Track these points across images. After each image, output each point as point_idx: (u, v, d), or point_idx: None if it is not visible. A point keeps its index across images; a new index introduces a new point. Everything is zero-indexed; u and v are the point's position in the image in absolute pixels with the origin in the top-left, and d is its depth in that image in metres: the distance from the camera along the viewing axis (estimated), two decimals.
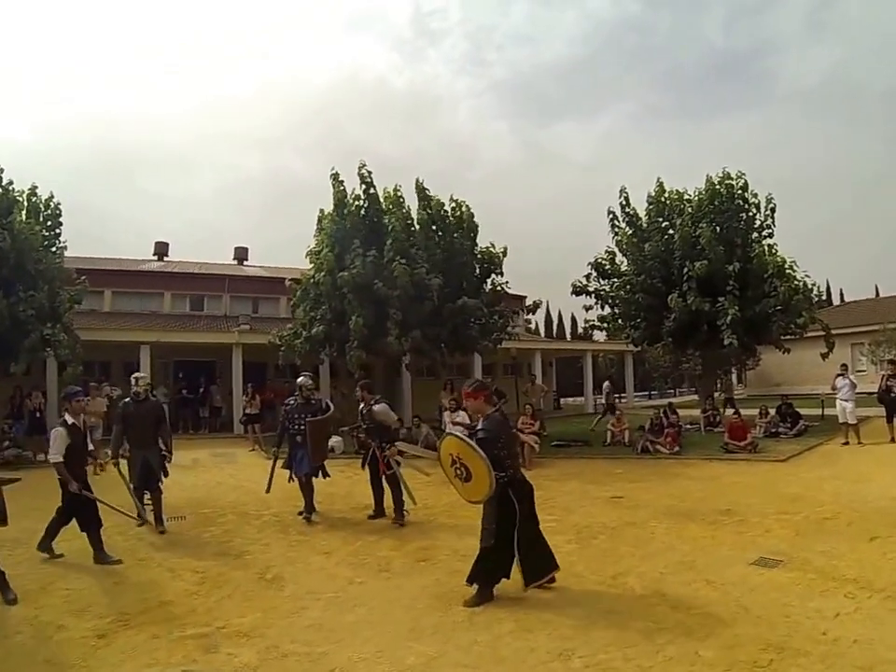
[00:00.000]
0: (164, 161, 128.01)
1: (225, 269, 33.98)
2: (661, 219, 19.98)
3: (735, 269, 17.88)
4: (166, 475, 8.92)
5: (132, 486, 8.61)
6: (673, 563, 6.29)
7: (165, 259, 35.38)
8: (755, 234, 19.53)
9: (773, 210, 19.44)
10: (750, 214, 19.63)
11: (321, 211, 18.42)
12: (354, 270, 16.31)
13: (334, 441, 15.42)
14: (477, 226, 18.63)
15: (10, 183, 17.74)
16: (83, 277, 20.15)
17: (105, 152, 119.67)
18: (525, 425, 14.59)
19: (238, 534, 8.35)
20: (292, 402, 9.47)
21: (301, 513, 9.23)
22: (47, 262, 17.59)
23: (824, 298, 41.22)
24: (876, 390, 15.50)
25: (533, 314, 22.10)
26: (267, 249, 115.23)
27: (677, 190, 20.28)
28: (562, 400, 39.00)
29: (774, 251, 19.15)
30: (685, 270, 18.35)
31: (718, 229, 18.74)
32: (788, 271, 18.68)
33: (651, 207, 20.14)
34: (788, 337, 19.67)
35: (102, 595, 6.09)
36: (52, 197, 18.94)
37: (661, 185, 20.27)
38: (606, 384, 25.45)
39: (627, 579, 5.87)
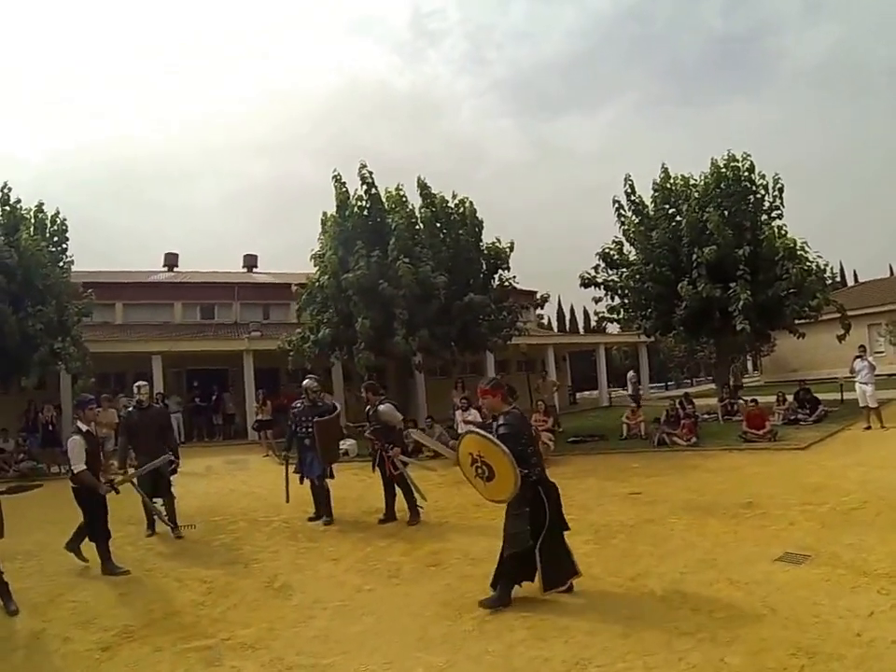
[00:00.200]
0: (171, 173, 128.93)
1: (234, 277, 34.17)
2: (667, 206, 19.69)
3: (744, 253, 17.54)
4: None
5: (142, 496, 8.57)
6: (693, 561, 6.02)
7: (175, 269, 35.64)
8: (764, 216, 19.16)
9: (781, 191, 19.04)
10: (758, 196, 19.26)
11: (324, 214, 18.29)
12: (358, 271, 16.17)
13: (348, 444, 15.29)
14: (481, 221, 18.41)
15: (18, 201, 18.17)
16: (90, 290, 20.46)
17: (113, 168, 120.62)
18: (538, 422, 14.35)
19: (248, 541, 8.24)
20: (299, 405, 9.42)
21: (310, 519, 9.15)
22: (54, 277, 17.86)
23: (838, 280, 40.58)
24: None
25: (542, 307, 21.90)
26: (277, 256, 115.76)
27: (682, 176, 19.97)
28: (577, 395, 38.68)
29: (784, 233, 18.68)
30: (694, 256, 18.05)
31: (725, 213, 18.38)
32: (799, 252, 18.25)
33: (656, 195, 19.85)
34: (802, 321, 19.27)
35: (108, 606, 6.03)
36: (58, 213, 19.18)
37: (666, 171, 19.96)
38: (630, 373, 25.03)
39: (647, 580, 5.61)
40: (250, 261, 37.63)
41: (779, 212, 19.15)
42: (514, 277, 19.07)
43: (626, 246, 20.18)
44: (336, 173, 17.66)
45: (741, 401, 17.96)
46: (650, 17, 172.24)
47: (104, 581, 6.84)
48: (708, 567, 5.80)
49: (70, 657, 4.92)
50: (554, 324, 65.01)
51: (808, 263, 18.21)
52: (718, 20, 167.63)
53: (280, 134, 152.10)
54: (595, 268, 20.14)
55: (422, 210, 17.96)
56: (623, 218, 20.03)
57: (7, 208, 17.92)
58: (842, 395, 19.60)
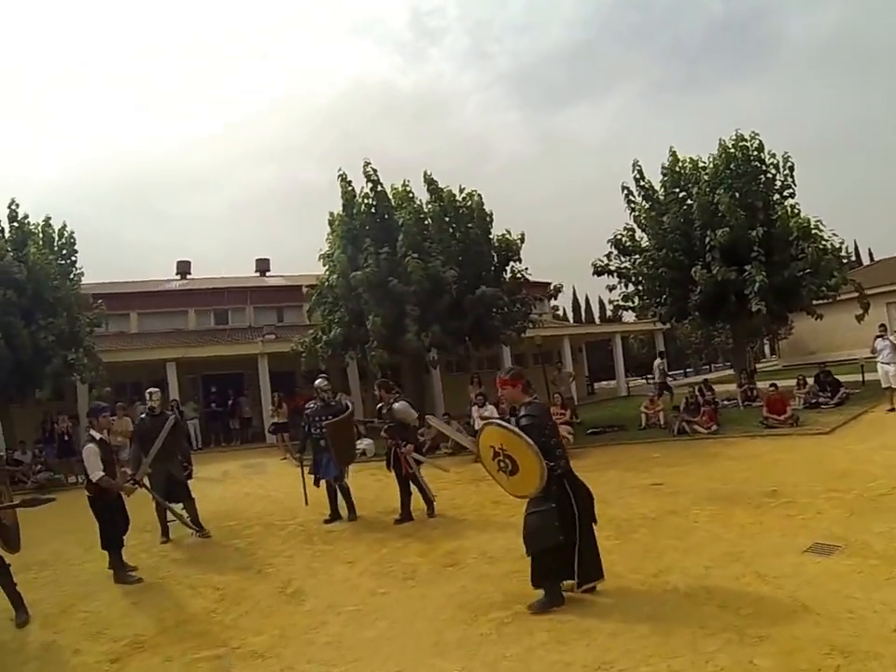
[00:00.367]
0: (179, 183, 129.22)
1: (247, 281, 34.12)
2: (677, 190, 19.28)
3: (758, 234, 17.12)
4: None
5: (156, 502, 8.63)
6: (718, 555, 5.78)
7: (188, 277, 35.75)
8: (776, 196, 18.70)
9: (791, 169, 18.54)
10: (769, 175, 18.79)
11: (331, 214, 18.13)
12: (367, 269, 16.03)
13: (365, 443, 15.18)
14: (491, 214, 18.18)
15: (25, 217, 18.48)
16: (100, 301, 20.71)
17: (120, 181, 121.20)
18: (555, 415, 14.08)
19: (262, 546, 8.15)
20: (312, 406, 9.39)
21: (326, 521, 9.07)
22: (64, 290, 18.07)
23: (853, 259, 39.90)
24: None
25: (555, 298, 21.56)
26: (290, 259, 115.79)
27: (690, 158, 19.54)
28: (595, 385, 38.40)
29: (797, 212, 18.22)
30: (707, 240, 17.67)
31: (736, 194, 17.99)
32: (814, 231, 17.79)
33: (665, 179, 19.46)
34: (820, 301, 18.90)
35: (120, 616, 5.98)
36: (65, 227, 19.36)
37: (674, 154, 19.57)
38: (657, 360, 24.69)
39: (670, 576, 5.38)
40: (262, 266, 37.65)
41: (791, 191, 18.68)
42: (526, 269, 18.81)
43: (638, 233, 19.87)
44: (341, 172, 17.55)
45: (762, 387, 17.65)
46: (648, 4, 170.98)
47: (117, 590, 6.81)
48: (734, 561, 5.57)
49: (79, 669, 4.90)
50: (570, 315, 64.78)
51: (824, 242, 17.79)
52: (718, 4, 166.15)
53: (286, 140, 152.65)
54: (608, 255, 19.86)
55: (429, 205, 17.77)
56: (633, 205, 19.70)
57: (16, 224, 18.23)
58: (863, 376, 19.24)
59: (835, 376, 16.91)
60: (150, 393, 9.11)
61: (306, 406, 9.61)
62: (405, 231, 16.40)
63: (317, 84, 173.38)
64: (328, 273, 18.07)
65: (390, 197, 17.65)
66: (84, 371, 17.87)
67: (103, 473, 6.87)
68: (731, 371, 25.56)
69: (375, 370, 16.78)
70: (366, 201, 17.43)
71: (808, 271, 17.15)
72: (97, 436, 7.08)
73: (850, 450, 10.41)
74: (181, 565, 7.63)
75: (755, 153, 18.60)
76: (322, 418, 9.11)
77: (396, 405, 8.94)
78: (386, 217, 17.38)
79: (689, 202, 18.87)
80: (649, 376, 44.03)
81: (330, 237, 18.15)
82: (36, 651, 5.39)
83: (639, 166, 19.60)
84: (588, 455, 13.00)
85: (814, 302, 18.72)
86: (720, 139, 19.00)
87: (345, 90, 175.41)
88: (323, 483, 9.35)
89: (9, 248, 17.35)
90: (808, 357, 31.11)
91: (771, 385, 15.44)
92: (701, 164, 19.30)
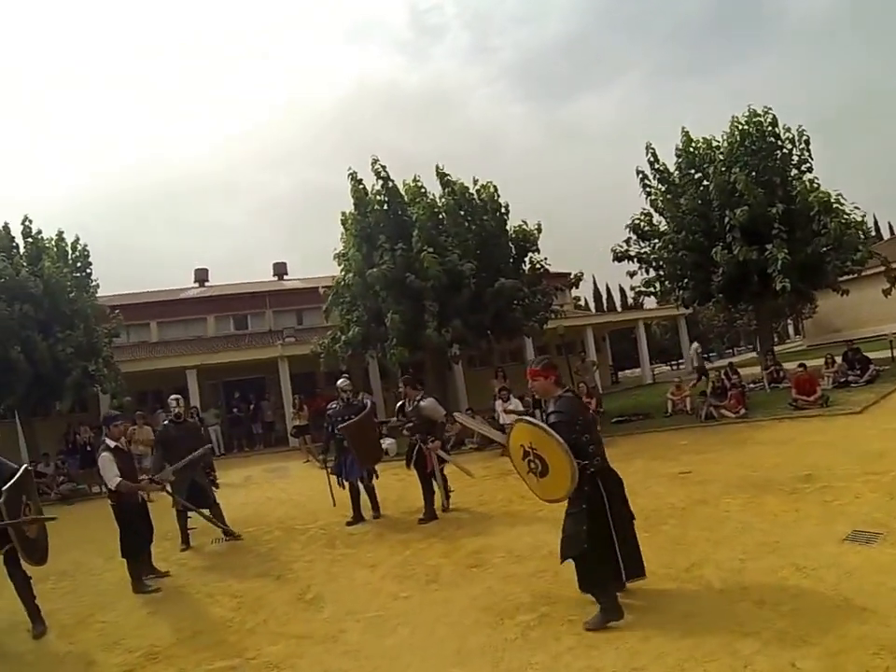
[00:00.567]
0: (194, 192, 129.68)
1: (265, 286, 34.20)
2: (692, 171, 18.94)
3: (778, 211, 16.73)
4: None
5: (177, 510, 8.67)
6: (753, 546, 5.48)
7: (206, 284, 35.91)
8: (794, 171, 18.29)
9: (807, 143, 18.16)
10: (785, 150, 18.39)
11: (343, 213, 17.96)
12: (383, 266, 15.87)
13: (387, 443, 15.02)
14: (507, 205, 17.93)
15: (39, 232, 18.76)
16: (117, 311, 21.01)
17: (133, 194, 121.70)
18: None
19: (283, 551, 8.01)
20: (334, 406, 9.30)
21: (348, 523, 8.92)
22: (80, 302, 18.31)
23: (873, 234, 39.08)
24: None
25: (576, 287, 21.24)
26: (307, 262, 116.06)
27: (703, 138, 19.19)
28: (619, 374, 38.05)
29: (816, 186, 17.74)
30: (726, 220, 17.31)
31: (753, 172, 17.64)
32: (835, 205, 17.34)
33: (680, 160, 19.13)
34: (845, 277, 18.49)
35: (136, 626, 5.90)
36: (78, 240, 19.62)
37: (687, 135, 19.18)
38: (694, 345, 24.32)
39: (703, 570, 5.11)
40: (280, 269, 37.76)
41: (808, 165, 18.27)
42: (545, 259, 18.59)
43: (656, 217, 19.54)
44: (351, 170, 17.36)
45: (789, 367, 17.25)
46: None
47: (135, 599, 6.73)
48: (770, 552, 5.27)
49: None
50: (591, 304, 64.29)
51: (845, 216, 17.37)
52: None
53: (292, 144, 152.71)
54: (627, 241, 19.56)
55: (443, 199, 17.55)
56: (648, 188, 19.38)
57: (30, 239, 18.50)
58: (892, 352, 18.89)
59: (864, 353, 16.50)
60: (176, 399, 9.16)
61: (328, 407, 9.51)
62: (419, 227, 16.22)
63: (322, 87, 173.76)
64: (343, 272, 17.99)
65: (402, 193, 17.48)
66: (104, 382, 18.15)
67: (120, 479, 6.84)
68: (754, 355, 25.10)
69: (396, 368, 16.70)
70: (377, 198, 17.26)
71: (832, 246, 16.79)
72: (112, 444, 7.06)
73: (885, 429, 10.01)
74: (200, 573, 7.56)
75: (769, 128, 18.23)
76: (343, 418, 9.02)
77: (423, 402, 8.85)
78: (400, 213, 17.19)
79: (705, 182, 18.54)
80: (673, 363, 43.73)
81: (344, 236, 18.02)
82: (51, 663, 5.35)
83: (653, 149, 19.27)
84: (613, 444, 12.67)
85: (839, 278, 18.31)
86: (732, 116, 18.67)
87: (350, 91, 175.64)
88: (347, 484, 9.24)
89: (24, 263, 17.59)
90: (833, 335, 30.55)
91: (799, 366, 15.05)
92: (714, 144, 18.94)
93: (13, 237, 18.36)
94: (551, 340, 26.68)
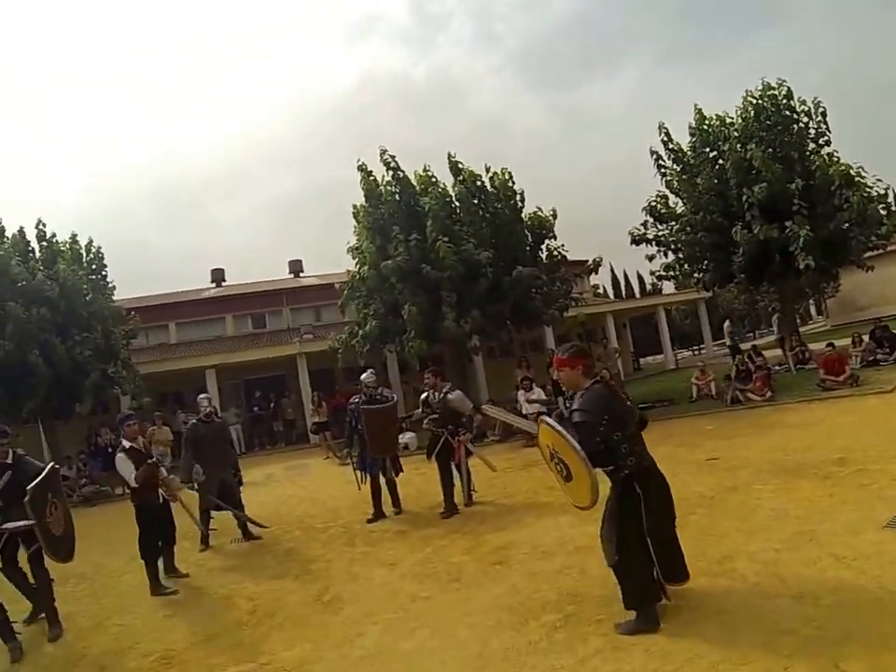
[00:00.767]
0: (209, 193, 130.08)
1: (281, 283, 34.11)
2: (707, 149, 18.50)
3: (797, 186, 16.25)
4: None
5: (204, 509, 8.64)
6: (788, 535, 5.21)
7: (223, 284, 35.94)
8: (812, 145, 17.83)
9: (824, 115, 17.65)
10: (801, 124, 17.89)
11: (354, 206, 17.88)
12: (398, 257, 15.74)
13: (407, 437, 14.87)
14: (522, 192, 17.70)
15: (53, 235, 18.87)
16: (133, 313, 21.11)
17: (151, 195, 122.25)
18: None
19: (302, 551, 7.85)
20: (357, 400, 9.15)
21: (369, 521, 8.77)
22: (97, 304, 18.39)
23: (893, 208, 38.15)
24: None
25: (596, 272, 21.01)
26: (323, 259, 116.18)
27: (717, 115, 18.73)
28: (641, 360, 37.67)
29: (836, 159, 17.28)
30: (744, 198, 16.87)
31: (770, 147, 17.21)
32: (857, 178, 16.86)
33: (694, 139, 18.69)
34: (869, 253, 18.07)
35: (152, 630, 5.83)
36: (91, 242, 19.70)
37: (700, 112, 18.73)
38: (727, 324, 24.00)
39: (736, 563, 4.84)
40: (296, 267, 37.59)
41: (826, 138, 17.79)
42: (562, 246, 18.35)
43: (672, 199, 19.14)
44: (360, 163, 17.23)
45: (815, 348, 16.86)
46: None
47: (152, 602, 6.66)
48: (807, 541, 5.00)
49: None
50: (610, 292, 63.80)
51: (867, 190, 16.90)
52: None
53: (302, 142, 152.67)
54: (644, 224, 19.20)
55: (455, 187, 17.34)
56: (663, 169, 18.98)
57: (45, 243, 18.57)
58: None
59: (892, 331, 16.10)
60: (208, 398, 9.16)
61: (350, 402, 9.39)
62: (433, 216, 16.03)
63: (329, 84, 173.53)
64: (358, 265, 17.89)
65: (414, 183, 17.29)
66: (124, 384, 18.32)
67: (136, 472, 6.88)
68: (774, 338, 24.61)
69: (414, 361, 16.58)
70: (388, 188, 17.11)
71: (854, 221, 16.35)
72: (127, 444, 7.10)
73: None
74: (218, 574, 7.44)
75: (784, 101, 17.72)
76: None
77: (451, 395, 8.77)
78: (412, 203, 17.03)
79: (720, 161, 18.10)
80: (694, 348, 43.24)
81: (357, 229, 17.92)
82: (63, 667, 5.31)
83: (666, 129, 18.85)
84: None
85: (863, 254, 17.86)
86: (746, 90, 18.20)
87: (357, 86, 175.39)
88: (369, 478, 9.12)
89: (40, 267, 17.63)
90: (858, 314, 29.93)
91: (827, 345, 14.72)
92: (728, 120, 18.48)
93: (28, 241, 18.41)
94: (571, 328, 26.44)
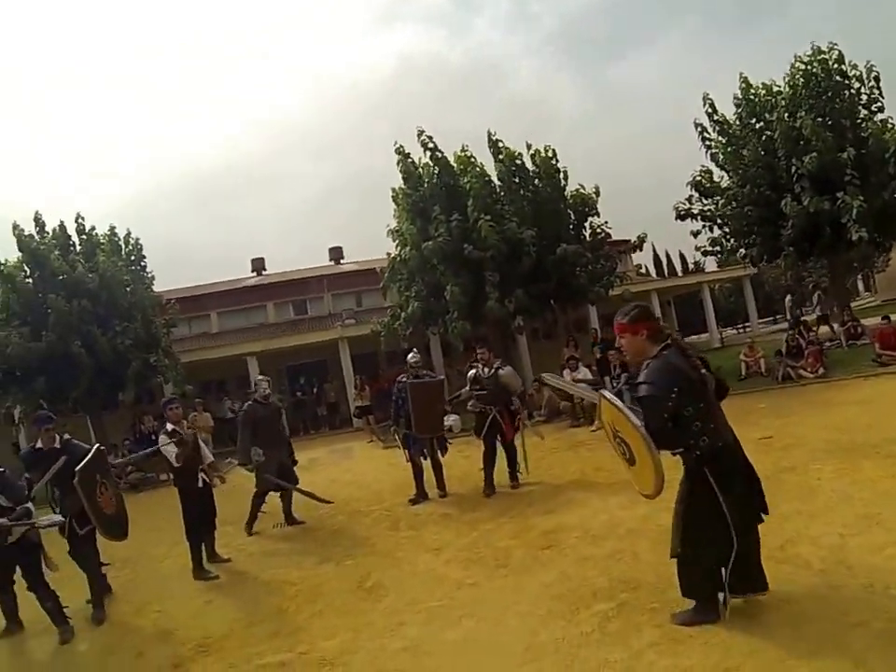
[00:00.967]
0: (245, 184, 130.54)
1: (322, 270, 34.08)
2: (754, 120, 17.88)
3: (849, 156, 15.55)
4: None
5: (262, 492, 8.61)
6: (853, 519, 4.93)
7: (263, 273, 36.03)
8: (864, 112, 17.10)
9: (877, 80, 16.88)
10: (853, 90, 17.16)
11: (393, 189, 17.78)
12: (439, 238, 15.61)
13: (451, 419, 14.72)
14: (564, 170, 17.38)
15: (93, 228, 19.23)
16: (173, 301, 21.43)
17: (189, 188, 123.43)
18: None
19: (344, 535, 7.76)
20: (403, 380, 9.06)
21: (411, 501, 8.71)
22: (137, 295, 18.69)
23: None
24: None
25: (640, 249, 20.56)
26: (363, 246, 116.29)
27: (763, 83, 18.07)
28: (686, 339, 36.95)
29: (891, 126, 16.57)
30: (793, 169, 16.28)
31: (820, 115, 16.51)
32: None
33: (739, 110, 18.07)
34: None
35: (191, 616, 5.78)
36: (129, 234, 20.02)
37: (745, 81, 18.08)
38: (788, 297, 23.56)
39: (798, 548, 4.57)
40: (336, 254, 37.54)
41: (880, 104, 17.03)
42: (606, 223, 18.07)
43: (717, 173, 18.59)
44: (398, 145, 17.09)
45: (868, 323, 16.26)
46: None
47: (193, 588, 6.65)
48: (873, 525, 4.71)
49: None
50: (652, 271, 62.76)
51: None
52: None
53: (338, 130, 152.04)
54: (689, 199, 18.70)
55: (496, 166, 17.12)
56: (708, 142, 18.41)
57: (84, 236, 18.90)
58: None
59: None
60: (267, 380, 9.10)
61: (398, 380, 9.28)
62: (474, 196, 15.84)
63: (363, 70, 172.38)
64: (398, 247, 17.76)
65: (453, 164, 17.07)
66: (165, 372, 18.54)
67: (177, 451, 6.98)
68: (815, 316, 23.88)
69: (458, 342, 16.44)
70: (427, 170, 16.94)
71: None
72: (169, 427, 7.21)
73: None
74: (260, 558, 7.38)
75: (835, 66, 16.98)
76: None
77: (503, 370, 8.68)
78: (452, 183, 16.83)
79: (767, 132, 17.47)
80: (739, 326, 42.29)
81: (396, 211, 17.82)
82: (101, 653, 5.31)
83: (710, 100, 18.27)
84: None
85: None
86: (795, 55, 17.49)
87: (392, 72, 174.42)
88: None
89: (81, 260, 17.90)
90: None
91: (883, 319, 14.19)
92: (776, 89, 17.81)
93: (69, 235, 18.71)
94: (616, 307, 25.98)
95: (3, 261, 17.44)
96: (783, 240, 17.12)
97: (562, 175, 17.36)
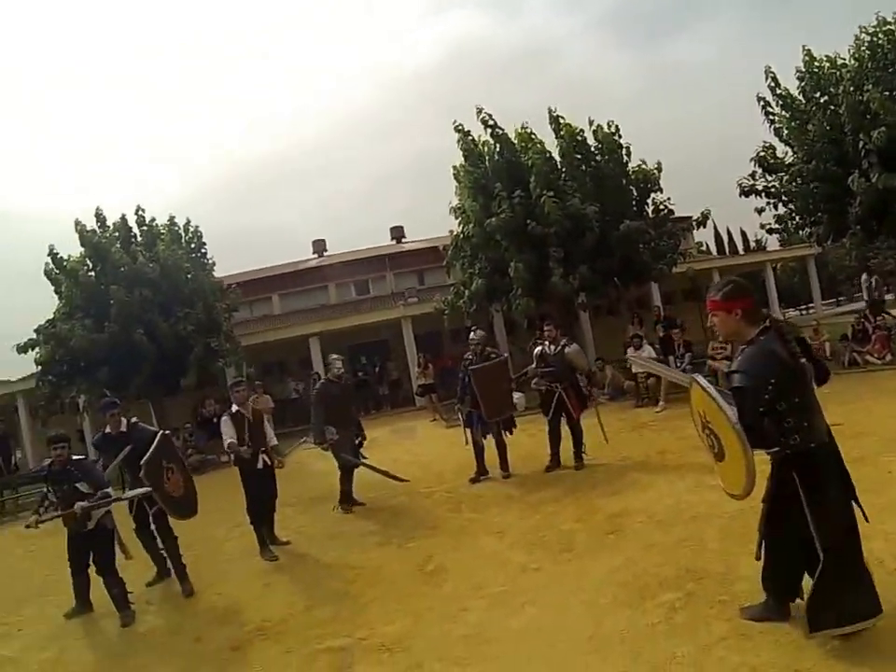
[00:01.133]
0: (307, 169, 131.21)
1: (383, 249, 34.13)
2: (818, 94, 17.09)
3: None
4: None
5: (341, 471, 8.65)
6: None
7: (325, 254, 36.17)
8: None
9: None
10: None
11: (454, 167, 17.65)
12: (503, 215, 15.49)
13: (516, 397, 14.66)
14: (628, 146, 17.04)
15: (153, 220, 19.54)
16: (234, 286, 21.55)
17: (255, 179, 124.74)
18: (715, 350, 13.07)
19: (406, 517, 7.75)
20: (469, 357, 9.02)
21: (472, 480, 8.73)
22: (198, 281, 18.87)
23: None
24: None
25: (703, 226, 19.99)
26: (424, 226, 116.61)
27: (827, 56, 17.14)
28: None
29: None
30: (861, 144, 15.51)
31: (888, 89, 15.54)
32: None
33: (803, 83, 17.27)
34: None
35: (251, 598, 5.84)
36: (189, 222, 20.29)
37: (808, 53, 17.26)
38: (864, 276, 22.87)
39: (871, 543, 4.23)
40: (397, 233, 37.44)
41: None
42: (669, 199, 17.68)
43: (781, 148, 17.91)
44: (457, 124, 16.98)
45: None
46: None
47: (253, 570, 6.70)
48: None
49: (197, 657, 4.80)
50: (713, 249, 61.27)
51: None
52: None
53: (395, 113, 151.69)
54: (752, 175, 18.10)
55: (557, 142, 16.85)
56: (771, 117, 17.75)
57: (144, 227, 19.20)
58: None
59: None
60: (342, 360, 9.13)
61: (464, 357, 9.24)
62: (536, 172, 15.66)
63: (416, 54, 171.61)
64: (461, 225, 17.68)
65: (514, 140, 16.89)
66: (227, 355, 18.78)
67: (231, 440, 7.02)
68: (890, 297, 22.86)
69: (522, 319, 16.44)
70: (488, 147, 16.83)
71: None
72: (234, 409, 7.26)
73: None
74: (320, 541, 7.39)
75: None
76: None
77: (569, 349, 8.65)
78: (513, 160, 16.65)
79: (832, 106, 16.72)
80: (802, 307, 40.95)
81: (458, 189, 17.72)
82: (161, 635, 5.41)
83: (773, 73, 17.53)
84: None
85: None
86: (859, 26, 16.57)
87: (444, 55, 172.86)
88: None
89: (141, 251, 18.14)
90: None
91: None
92: (840, 62, 17.00)
93: (130, 227, 19.01)
94: (678, 285, 25.51)
95: (66, 257, 17.72)
96: (850, 218, 16.44)
97: (624, 152, 17.03)
